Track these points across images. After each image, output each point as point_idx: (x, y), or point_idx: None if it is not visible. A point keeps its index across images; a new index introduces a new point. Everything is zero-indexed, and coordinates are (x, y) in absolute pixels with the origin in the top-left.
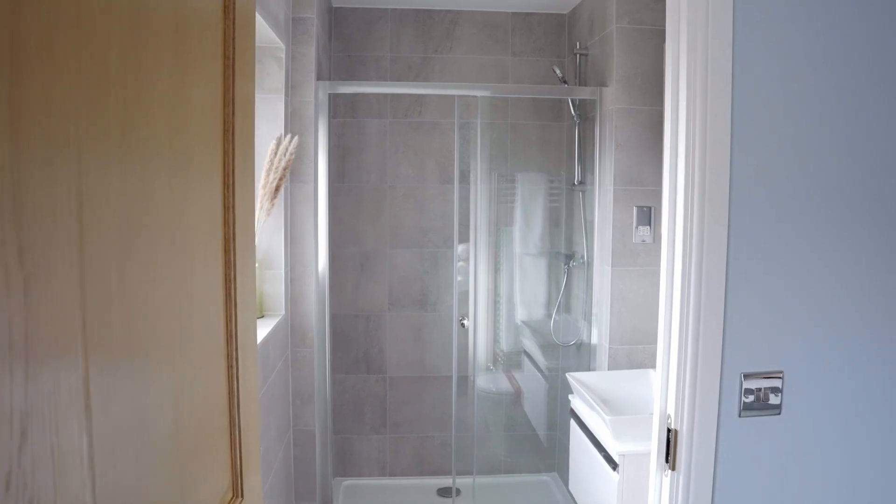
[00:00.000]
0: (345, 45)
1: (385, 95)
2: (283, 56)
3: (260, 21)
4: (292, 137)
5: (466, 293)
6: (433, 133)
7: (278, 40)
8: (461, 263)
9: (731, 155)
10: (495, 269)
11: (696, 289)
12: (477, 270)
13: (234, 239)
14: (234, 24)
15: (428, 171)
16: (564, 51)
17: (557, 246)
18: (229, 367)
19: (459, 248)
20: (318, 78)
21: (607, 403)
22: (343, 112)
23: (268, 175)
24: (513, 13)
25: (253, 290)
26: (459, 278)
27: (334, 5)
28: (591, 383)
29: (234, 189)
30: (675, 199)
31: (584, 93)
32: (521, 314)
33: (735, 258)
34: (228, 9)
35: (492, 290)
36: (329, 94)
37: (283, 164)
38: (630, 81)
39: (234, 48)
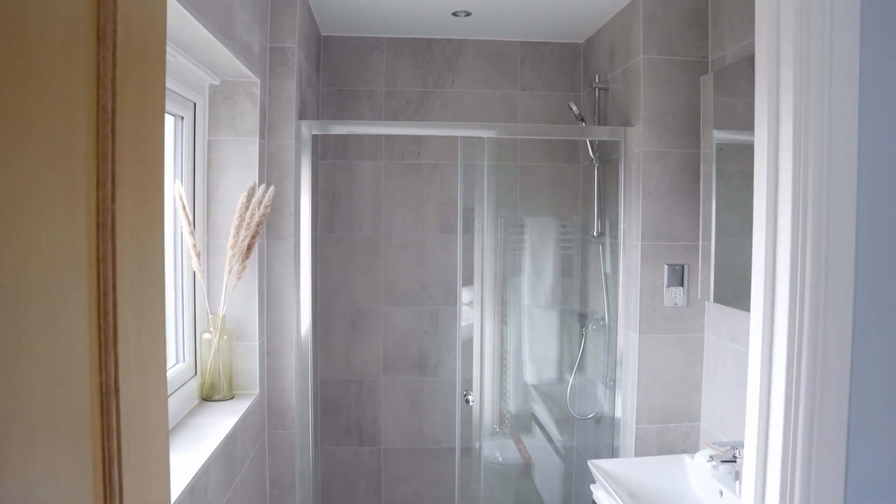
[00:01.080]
0: (335, 77)
1: (379, 135)
2: (258, 92)
3: (225, 53)
4: (268, 187)
5: (471, 350)
6: (433, 176)
7: (251, 74)
8: (465, 307)
9: (856, 217)
10: (502, 321)
11: (808, 393)
12: (483, 323)
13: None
14: (114, 55)
15: (427, 218)
16: (580, 84)
17: (571, 301)
18: None
19: (464, 292)
20: (301, 116)
21: (637, 499)
22: (333, 153)
23: (237, 233)
24: (522, 42)
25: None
26: (463, 323)
27: (323, 34)
28: (618, 474)
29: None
30: (771, 272)
31: (604, 133)
32: (531, 374)
33: (862, 348)
34: (105, 36)
35: (498, 346)
36: (314, 135)
37: (256, 219)
38: (659, 120)
39: (113, 89)
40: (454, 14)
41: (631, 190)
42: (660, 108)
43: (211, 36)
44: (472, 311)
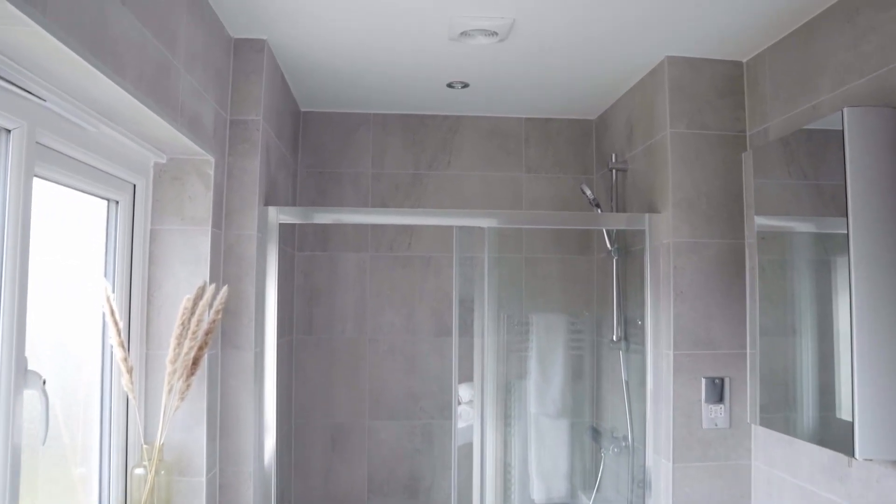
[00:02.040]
0: (315, 158)
1: (365, 224)
2: (212, 172)
3: (162, 124)
4: (220, 287)
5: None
6: (426, 271)
7: (201, 150)
8: (464, 406)
9: None
10: (505, 429)
11: None
12: (484, 429)
13: None
14: None
15: (420, 319)
16: (593, 165)
17: (583, 410)
18: None
19: (461, 389)
20: (268, 201)
21: None
22: (311, 244)
23: (179, 344)
24: (526, 119)
25: None
26: (461, 424)
27: (302, 109)
28: None
29: None
30: None
31: (624, 221)
32: (538, 491)
33: None
34: None
35: (501, 457)
36: (290, 224)
37: (205, 326)
38: (692, 205)
39: None
40: (450, 86)
41: (659, 288)
42: (691, 190)
43: (136, 101)
44: (472, 411)
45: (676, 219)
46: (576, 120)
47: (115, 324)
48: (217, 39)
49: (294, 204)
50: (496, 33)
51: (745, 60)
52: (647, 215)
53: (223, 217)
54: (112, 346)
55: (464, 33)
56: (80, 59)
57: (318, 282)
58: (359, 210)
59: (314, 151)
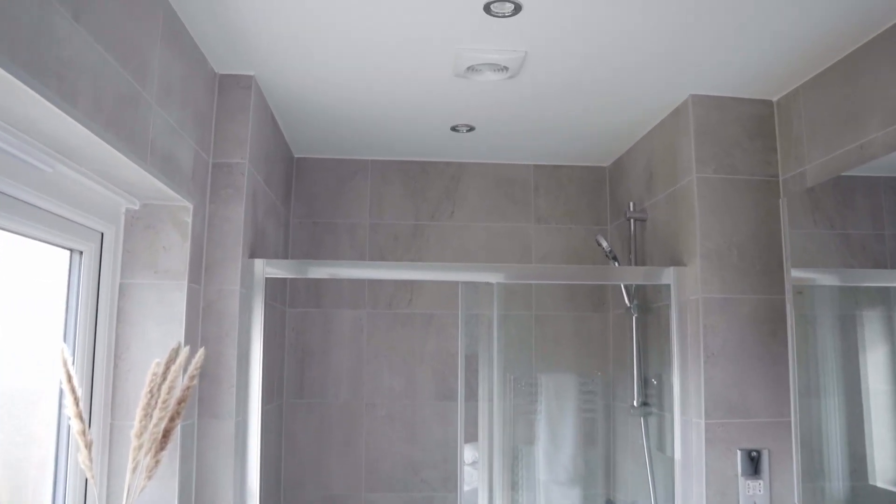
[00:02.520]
0: (309, 207)
1: (362, 279)
2: (190, 219)
3: (124, 162)
4: (193, 351)
5: None
6: (428, 330)
7: (177, 195)
8: (467, 467)
9: None
10: (512, 496)
11: None
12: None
13: None
14: None
15: (421, 382)
16: (607, 215)
17: (596, 480)
18: None
19: (466, 450)
20: (254, 253)
21: None
22: (304, 300)
23: (147, 416)
24: (535, 166)
25: None
26: (466, 488)
27: (295, 155)
28: None
29: None
30: None
31: (646, 275)
32: None
33: None
34: None
35: None
36: (276, 279)
37: (177, 394)
38: (722, 257)
39: None
40: (454, 129)
41: (687, 349)
42: (721, 241)
43: (93, 136)
44: (477, 474)
45: (705, 272)
46: (588, 167)
47: (73, 392)
48: (198, 73)
49: (286, 256)
50: (506, 68)
51: (775, 99)
52: (671, 269)
53: (202, 270)
54: (69, 418)
55: (471, 69)
56: (16, 80)
57: (311, 341)
58: (355, 263)
59: (308, 200)
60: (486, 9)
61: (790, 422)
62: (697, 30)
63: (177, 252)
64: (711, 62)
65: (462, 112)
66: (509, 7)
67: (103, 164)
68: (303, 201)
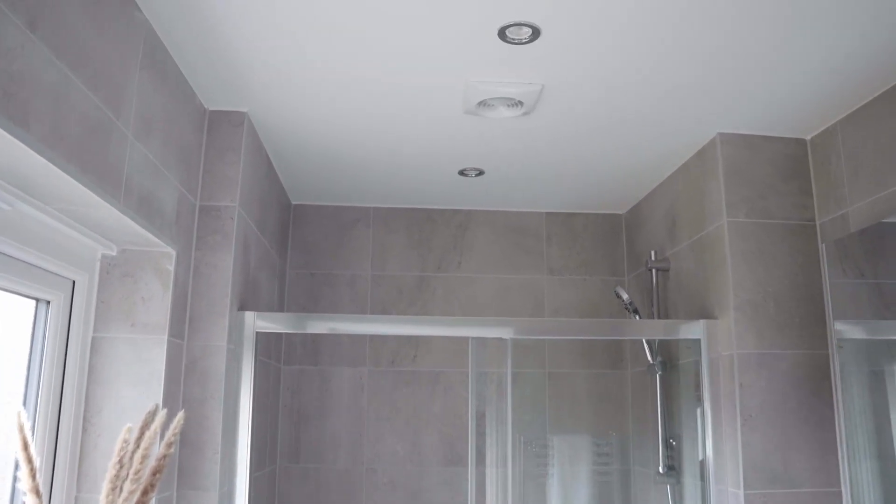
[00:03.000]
0: (306, 257)
1: (363, 334)
2: (173, 267)
3: (93, 199)
4: (172, 414)
5: None
6: (434, 389)
7: (158, 241)
8: None
9: None
10: None
11: None
12: None
13: None
14: None
15: (427, 445)
16: (624, 265)
17: None
18: None
19: None
20: (244, 306)
21: None
22: (300, 357)
23: (116, 488)
24: (548, 213)
25: None
26: None
27: (293, 202)
28: None
29: None
30: None
31: (669, 329)
32: None
33: None
34: None
35: None
36: (276, 334)
37: (151, 464)
38: (758, 309)
39: None
40: (462, 174)
41: (721, 411)
42: (756, 291)
43: (52, 166)
44: None
45: (739, 325)
46: (603, 214)
47: (30, 462)
48: (185, 108)
49: (282, 309)
50: (521, 103)
51: (808, 138)
52: (701, 322)
53: (186, 324)
54: (24, 493)
55: (483, 104)
56: None
57: (308, 401)
58: (356, 318)
59: (306, 250)
60: (502, 34)
61: (840, 492)
62: (726, 62)
63: (157, 303)
64: (740, 98)
65: (471, 154)
66: (526, 32)
67: (70, 203)
68: (300, 251)
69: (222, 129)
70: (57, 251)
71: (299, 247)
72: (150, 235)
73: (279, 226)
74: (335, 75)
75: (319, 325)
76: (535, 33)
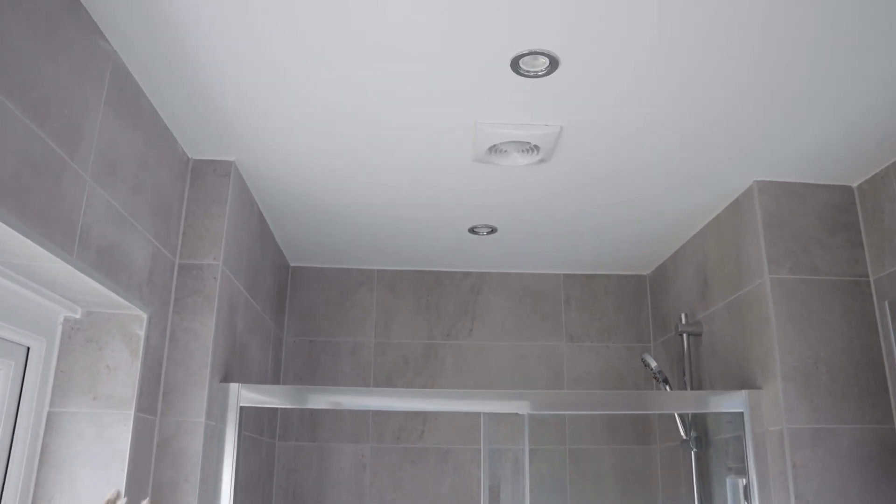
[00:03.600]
0: (305, 324)
1: (365, 409)
2: (143, 332)
3: (36, 251)
4: (135, 501)
5: None
6: (443, 468)
7: (125, 302)
8: None
9: None
10: None
11: None
12: None
13: None
14: None
15: None
16: (649, 330)
17: None
18: None
19: None
20: (228, 377)
21: None
22: (297, 432)
23: None
24: (565, 275)
25: None
26: None
27: (291, 263)
28: None
29: None
30: None
31: (704, 401)
32: None
33: None
34: None
35: None
36: (271, 409)
37: None
38: (809, 377)
39: None
40: (473, 231)
41: (771, 495)
42: (806, 356)
43: None
44: None
45: (789, 397)
46: (625, 276)
47: None
48: (162, 153)
49: (277, 380)
50: (537, 148)
51: (855, 185)
52: (742, 393)
53: (159, 397)
54: None
55: (494, 150)
56: None
57: (305, 480)
58: (358, 390)
59: (305, 315)
60: (514, 66)
61: None
62: (763, 101)
63: (124, 373)
64: (779, 141)
65: (482, 209)
66: (542, 63)
67: (13, 255)
68: (299, 316)
69: (207, 179)
70: (7, 313)
71: (298, 312)
72: (113, 295)
73: (275, 289)
74: (330, 120)
75: (315, 399)
76: (553, 64)
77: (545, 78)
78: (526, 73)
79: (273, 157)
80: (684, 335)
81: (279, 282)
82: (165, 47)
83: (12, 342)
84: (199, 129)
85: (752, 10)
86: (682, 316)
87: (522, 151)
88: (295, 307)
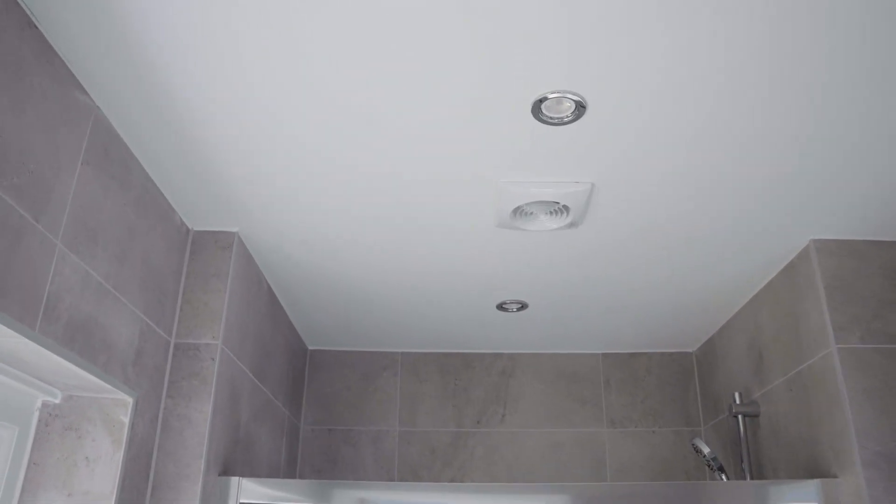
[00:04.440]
0: (324, 412)
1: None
2: (127, 419)
3: (18, 340)
4: None
5: None
6: None
7: (106, 385)
8: None
9: None
10: None
11: None
12: None
13: None
14: None
15: None
16: (698, 412)
17: None
18: None
19: None
20: (226, 470)
21: None
22: None
23: None
24: (604, 355)
25: None
26: None
27: (310, 346)
28: None
29: None
30: None
31: (763, 493)
32: None
33: None
34: None
35: None
36: None
37: None
38: (892, 462)
39: None
40: (501, 308)
41: None
42: (889, 438)
43: None
44: None
45: (875, 488)
46: (670, 353)
47: None
48: (156, 223)
49: (292, 474)
50: (566, 209)
51: None
52: (815, 482)
53: (147, 492)
54: None
55: (519, 212)
56: None
57: None
58: (380, 485)
59: (323, 403)
60: (536, 111)
61: None
62: (818, 151)
63: (104, 465)
64: (838, 196)
65: (510, 282)
66: (568, 107)
67: None
68: (317, 403)
69: (207, 251)
70: None
71: (316, 399)
72: (90, 376)
73: (290, 373)
74: (345, 189)
75: (336, 494)
76: (580, 109)
77: (572, 125)
78: (549, 120)
79: (282, 229)
80: (739, 417)
81: (295, 366)
82: (156, 110)
83: None
84: (198, 196)
85: (812, 52)
86: (736, 395)
87: (550, 213)
88: (313, 393)
